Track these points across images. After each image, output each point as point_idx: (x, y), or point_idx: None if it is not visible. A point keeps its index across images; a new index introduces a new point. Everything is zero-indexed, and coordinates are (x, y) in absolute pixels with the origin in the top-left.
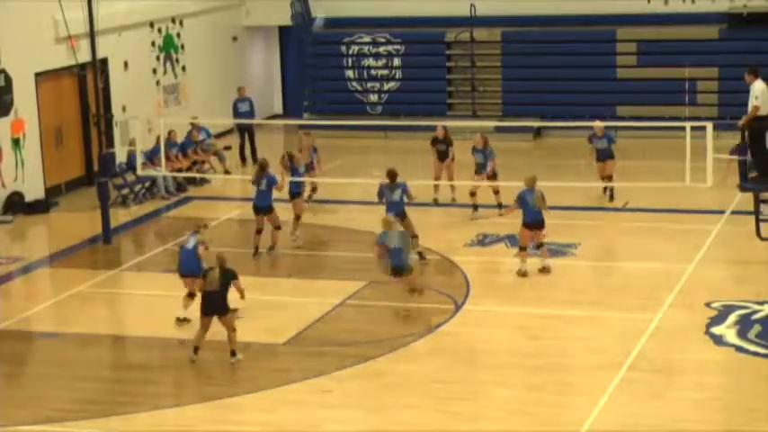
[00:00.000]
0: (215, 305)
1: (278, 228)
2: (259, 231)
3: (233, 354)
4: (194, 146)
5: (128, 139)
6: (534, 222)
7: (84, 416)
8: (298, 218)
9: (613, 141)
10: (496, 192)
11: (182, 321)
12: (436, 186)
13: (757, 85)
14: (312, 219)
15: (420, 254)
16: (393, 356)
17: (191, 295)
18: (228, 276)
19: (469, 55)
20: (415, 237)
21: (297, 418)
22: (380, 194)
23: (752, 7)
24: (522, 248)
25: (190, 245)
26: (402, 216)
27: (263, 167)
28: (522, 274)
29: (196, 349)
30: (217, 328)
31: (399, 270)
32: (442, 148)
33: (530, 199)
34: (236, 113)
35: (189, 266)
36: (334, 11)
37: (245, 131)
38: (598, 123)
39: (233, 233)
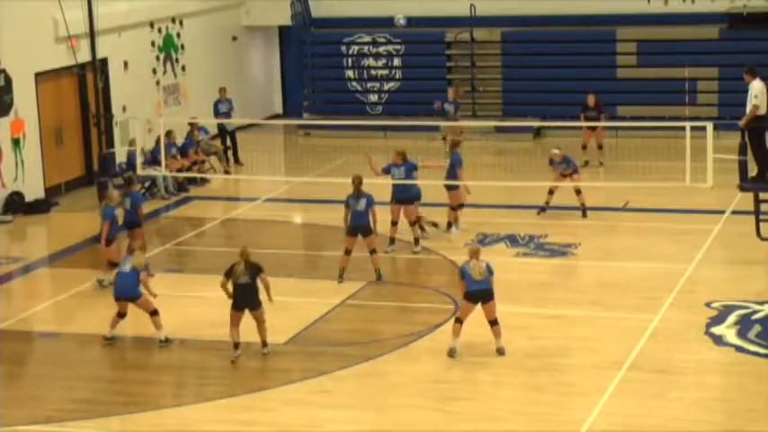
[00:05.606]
0: (246, 299)
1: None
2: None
3: (264, 345)
4: (195, 146)
5: (128, 139)
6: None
7: (84, 416)
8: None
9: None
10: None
11: (109, 340)
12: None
13: (756, 85)
14: (311, 218)
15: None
16: (393, 356)
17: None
18: (255, 270)
19: (469, 55)
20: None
21: (297, 418)
22: (345, 204)
23: (752, 7)
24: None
25: (126, 268)
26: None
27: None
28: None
29: (236, 345)
30: (213, 330)
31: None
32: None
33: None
34: (216, 114)
35: (124, 290)
36: (335, 11)
37: (227, 133)
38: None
39: (233, 233)
